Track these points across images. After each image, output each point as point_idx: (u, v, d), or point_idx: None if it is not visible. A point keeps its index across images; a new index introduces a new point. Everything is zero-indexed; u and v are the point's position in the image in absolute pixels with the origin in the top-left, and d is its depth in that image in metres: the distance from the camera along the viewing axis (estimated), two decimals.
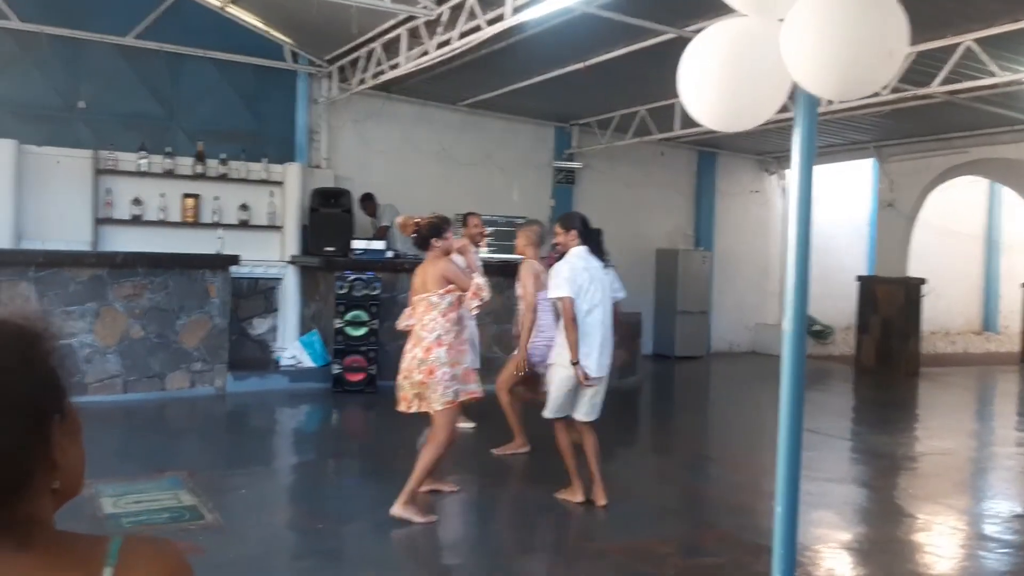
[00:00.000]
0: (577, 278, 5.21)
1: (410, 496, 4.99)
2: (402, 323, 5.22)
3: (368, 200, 10.38)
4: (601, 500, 5.39)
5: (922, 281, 12.68)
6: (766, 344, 13.99)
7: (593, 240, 5.50)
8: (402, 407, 5.02)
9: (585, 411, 5.37)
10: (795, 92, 2.66)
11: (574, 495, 5.45)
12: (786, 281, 2.74)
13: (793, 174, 2.68)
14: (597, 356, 5.23)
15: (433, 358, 4.86)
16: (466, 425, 6.96)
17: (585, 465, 5.42)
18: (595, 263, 5.39)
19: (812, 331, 14.21)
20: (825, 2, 2.33)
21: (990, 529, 5.54)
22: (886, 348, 12.62)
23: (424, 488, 5.27)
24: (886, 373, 12.40)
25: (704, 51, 2.47)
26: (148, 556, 1.09)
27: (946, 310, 16.16)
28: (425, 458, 4.99)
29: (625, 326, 5.54)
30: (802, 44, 2.33)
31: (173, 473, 5.74)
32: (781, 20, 2.39)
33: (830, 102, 8.69)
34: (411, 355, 4.95)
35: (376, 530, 5.06)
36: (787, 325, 2.57)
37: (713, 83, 2.45)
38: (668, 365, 12.87)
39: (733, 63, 2.42)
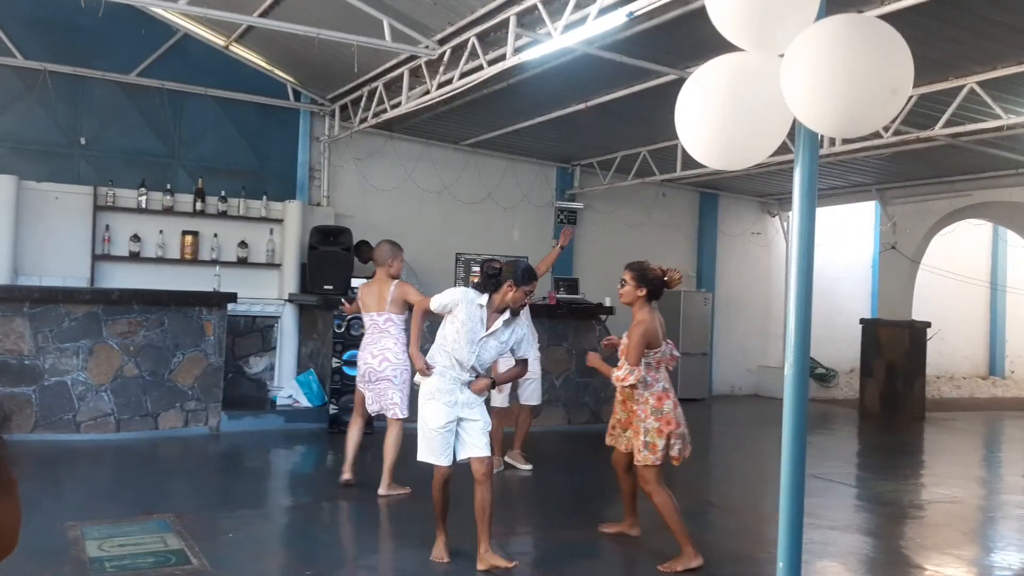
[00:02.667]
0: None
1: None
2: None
3: (364, 246, 10.05)
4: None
5: (927, 324, 12.55)
6: (769, 387, 13.83)
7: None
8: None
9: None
10: (796, 130, 2.59)
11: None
12: (787, 320, 2.66)
13: (795, 211, 2.60)
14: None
15: None
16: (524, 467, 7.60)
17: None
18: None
19: (815, 374, 14.05)
20: (828, 37, 2.27)
21: None
22: (891, 392, 12.47)
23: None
24: (891, 417, 12.23)
25: (703, 86, 2.40)
26: None
27: (951, 354, 16.01)
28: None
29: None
30: (803, 80, 2.26)
31: (161, 515, 5.60)
32: (781, 55, 2.33)
33: (832, 143, 8.67)
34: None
35: None
36: (788, 368, 2.47)
37: (711, 119, 2.37)
38: None
39: (732, 99, 2.35)
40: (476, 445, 4.74)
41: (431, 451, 4.73)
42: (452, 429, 4.74)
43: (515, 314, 4.92)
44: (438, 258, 10.76)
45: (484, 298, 4.80)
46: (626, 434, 5.32)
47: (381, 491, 6.33)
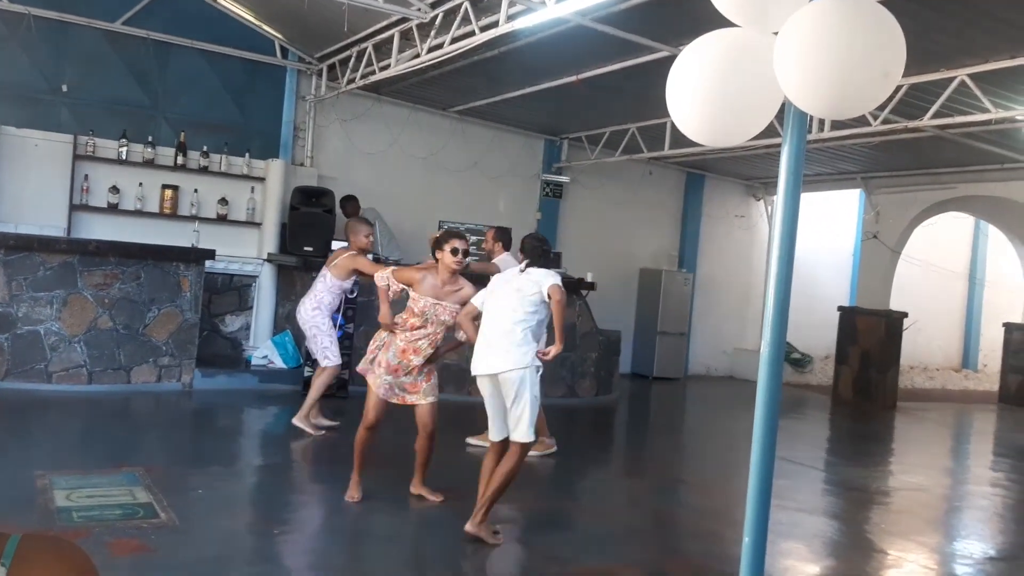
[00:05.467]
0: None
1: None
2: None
3: (350, 202, 9.93)
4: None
5: (904, 314, 12.65)
6: (743, 370, 13.92)
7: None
8: None
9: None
10: (785, 112, 2.57)
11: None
12: (767, 300, 2.65)
13: (780, 193, 2.59)
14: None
15: None
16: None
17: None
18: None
19: (790, 359, 14.15)
20: (822, 18, 2.24)
21: (961, 570, 5.45)
22: (864, 380, 12.58)
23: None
24: (863, 405, 12.35)
25: (695, 60, 2.37)
26: (47, 556, 0.98)
27: (926, 345, 16.17)
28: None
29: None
30: (795, 59, 2.24)
31: (130, 469, 5.58)
32: (776, 33, 2.30)
33: (821, 129, 8.65)
34: None
35: (333, 537, 4.93)
36: (764, 348, 2.47)
37: (702, 94, 2.35)
38: (645, 385, 12.78)
39: (724, 74, 2.32)
40: None
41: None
42: None
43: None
44: (421, 224, 10.70)
45: None
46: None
47: (295, 420, 7.24)
